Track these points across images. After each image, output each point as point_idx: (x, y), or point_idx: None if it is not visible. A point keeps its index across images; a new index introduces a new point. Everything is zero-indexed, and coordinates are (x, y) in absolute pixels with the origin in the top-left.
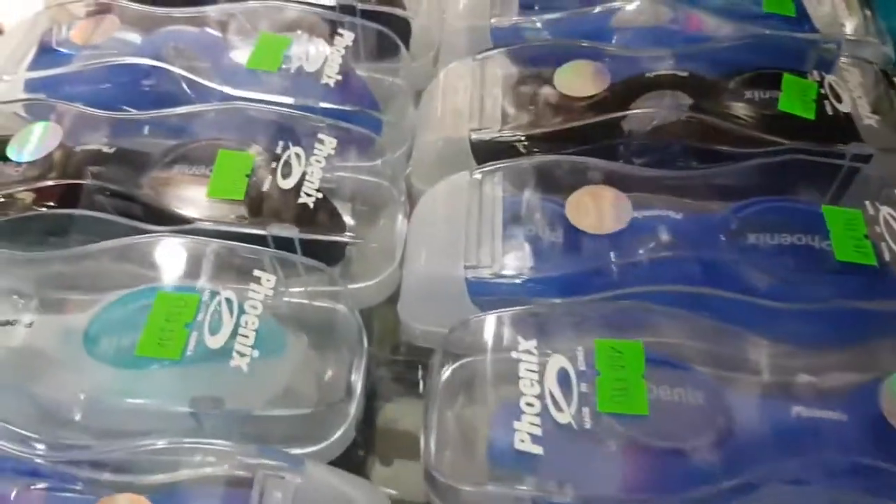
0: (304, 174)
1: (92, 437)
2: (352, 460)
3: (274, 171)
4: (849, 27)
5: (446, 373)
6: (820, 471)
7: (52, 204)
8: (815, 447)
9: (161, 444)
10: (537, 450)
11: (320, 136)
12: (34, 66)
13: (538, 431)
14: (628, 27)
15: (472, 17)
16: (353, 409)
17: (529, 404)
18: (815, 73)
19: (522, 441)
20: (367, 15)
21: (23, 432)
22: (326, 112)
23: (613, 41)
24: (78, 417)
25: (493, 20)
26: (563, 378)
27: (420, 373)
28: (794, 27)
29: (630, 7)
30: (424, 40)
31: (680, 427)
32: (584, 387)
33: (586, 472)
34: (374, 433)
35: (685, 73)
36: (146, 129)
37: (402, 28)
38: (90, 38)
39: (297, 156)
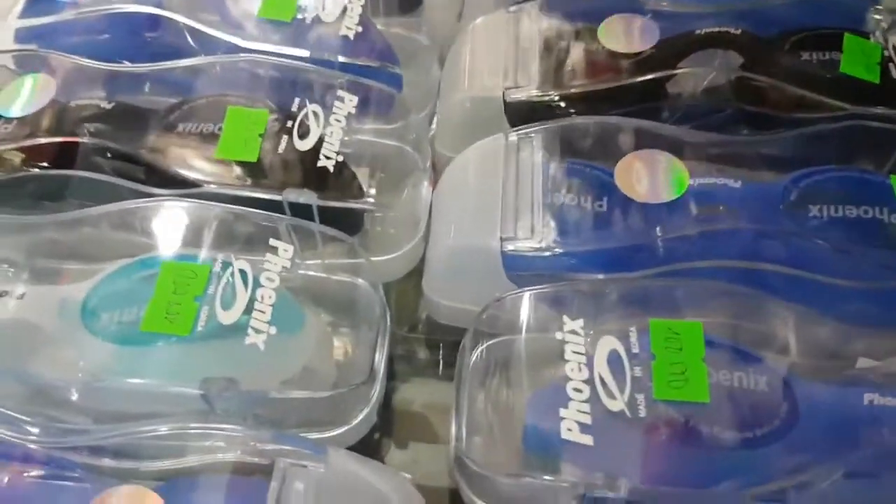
0: (322, 135)
1: (91, 420)
2: (368, 444)
3: (290, 131)
4: None
5: (479, 353)
6: (889, 462)
7: (44, 164)
8: (884, 437)
9: (167, 429)
10: (586, 440)
11: (340, 93)
12: (25, 13)
13: (587, 420)
14: None
15: None
16: (376, 391)
17: (577, 390)
18: (878, 34)
19: (570, 430)
20: None
21: (15, 415)
22: (345, 67)
23: None
24: (75, 398)
25: None
26: (615, 361)
27: (441, 352)
28: None
29: None
30: None
31: (743, 416)
32: (639, 371)
33: (640, 465)
34: (391, 415)
35: (738, 31)
36: (147, 85)
37: None
38: None
39: (315, 114)
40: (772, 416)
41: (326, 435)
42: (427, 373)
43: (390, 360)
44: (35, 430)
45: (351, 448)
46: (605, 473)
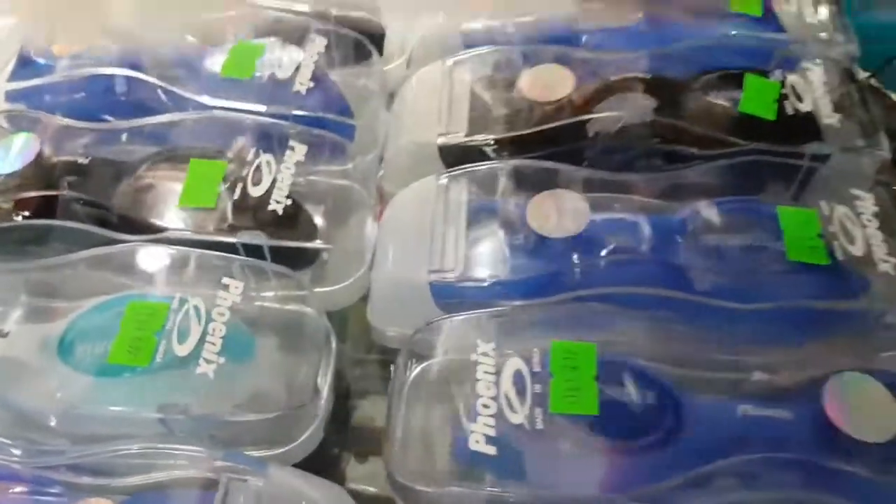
0: (274, 181)
1: (68, 443)
2: (327, 459)
3: (245, 179)
4: (814, 26)
5: (410, 374)
6: (766, 468)
7: (27, 214)
8: (761, 445)
9: (130, 448)
10: (491, 450)
11: (291, 142)
12: (14, 76)
13: (492, 432)
14: (597, 30)
15: (446, 23)
16: (321, 410)
17: (485, 406)
18: (778, 72)
19: (477, 442)
20: (341, 21)
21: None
22: (298, 119)
23: (582, 42)
24: (53, 423)
25: (464, 25)
26: (519, 379)
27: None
28: (760, 27)
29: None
30: (398, 45)
31: (629, 426)
32: (538, 388)
33: (539, 472)
34: (349, 432)
35: (649, 76)
36: (124, 138)
37: (376, 33)
38: (69, 49)
39: (268, 163)
40: (657, 427)
41: (277, 451)
42: (384, 391)
43: (348, 381)
44: (17, 452)
45: (310, 463)
46: (511, 480)
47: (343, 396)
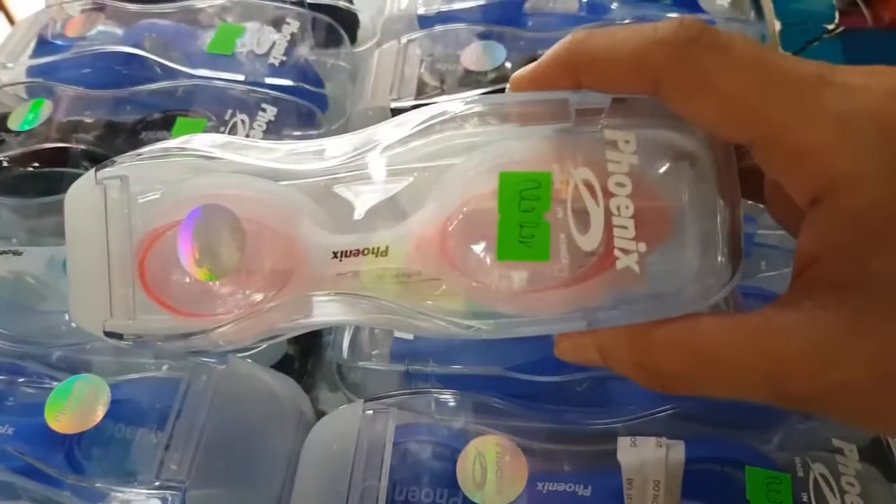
0: (247, 136)
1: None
2: None
3: (221, 133)
4: (729, 8)
5: None
6: None
7: (42, 164)
8: None
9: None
10: None
11: (263, 105)
12: (34, 55)
13: None
14: (542, 13)
15: (407, 9)
16: None
17: None
18: None
19: None
20: (318, 7)
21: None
22: (273, 87)
23: (529, 25)
24: (62, 326)
25: (420, 9)
26: None
27: None
28: (678, 8)
29: None
30: (369, 30)
31: None
32: None
33: None
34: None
35: None
36: (126, 105)
37: (350, 19)
38: (80, 32)
39: (243, 122)
40: None
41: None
42: None
43: None
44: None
45: None
46: None
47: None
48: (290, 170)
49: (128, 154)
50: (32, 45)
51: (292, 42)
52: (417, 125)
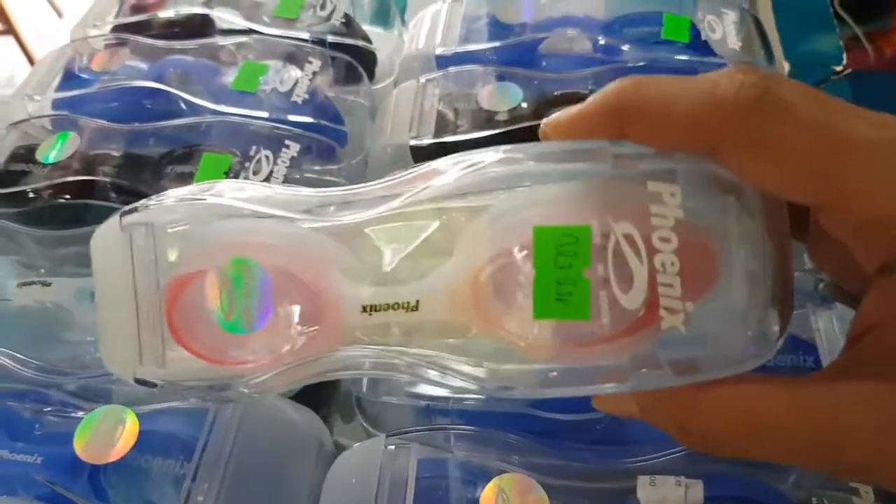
0: (271, 171)
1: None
2: None
3: (247, 169)
4: (739, 50)
5: None
6: None
7: (68, 196)
8: None
9: None
10: None
11: (286, 142)
12: (60, 88)
13: None
14: (556, 54)
15: (425, 48)
16: None
17: None
18: None
19: None
20: (338, 47)
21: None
22: (296, 124)
23: (543, 66)
24: (86, 357)
25: (437, 49)
26: None
27: None
28: (690, 51)
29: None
30: (387, 68)
31: None
32: None
33: None
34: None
35: (589, 90)
36: (150, 139)
37: (369, 58)
38: (106, 66)
39: (267, 157)
40: None
41: None
42: None
43: None
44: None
45: None
46: None
47: None
48: (318, 216)
49: (152, 198)
50: (58, 78)
51: (314, 80)
52: (454, 176)
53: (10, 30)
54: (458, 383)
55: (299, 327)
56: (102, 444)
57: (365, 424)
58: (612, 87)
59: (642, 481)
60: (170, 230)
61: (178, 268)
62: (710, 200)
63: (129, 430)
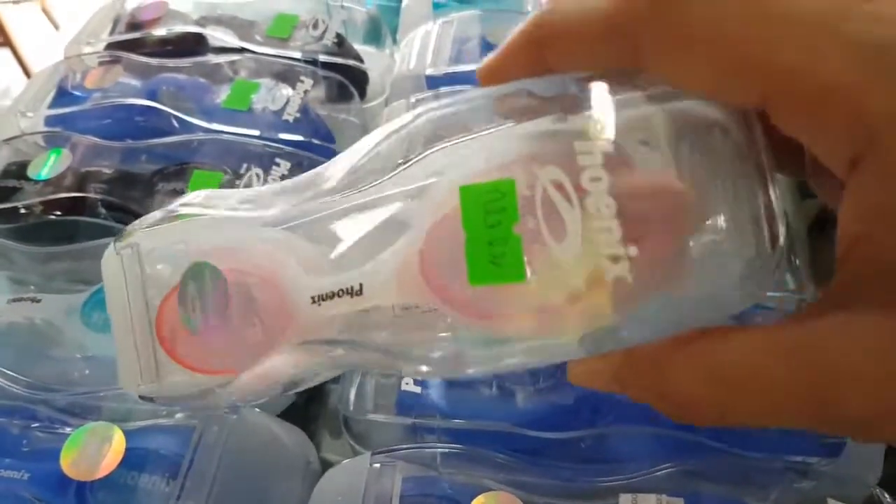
0: None
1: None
2: None
3: (237, 187)
4: None
5: None
6: None
7: (60, 213)
8: None
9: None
10: None
11: (277, 160)
12: (53, 105)
13: None
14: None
15: (415, 68)
16: None
17: None
18: None
19: None
20: (330, 66)
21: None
22: (285, 142)
23: None
24: (74, 374)
25: (428, 70)
26: None
27: None
28: None
29: None
30: (378, 87)
31: None
32: None
33: None
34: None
35: None
36: (142, 156)
37: (360, 77)
38: (99, 83)
39: (258, 175)
40: None
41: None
42: None
43: None
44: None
45: None
46: None
47: None
48: (278, 212)
49: (137, 221)
50: (52, 94)
51: (305, 98)
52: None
53: (7, 42)
54: (424, 367)
55: (269, 325)
56: (89, 460)
57: (352, 442)
58: (530, 15)
59: (624, 499)
60: (150, 249)
61: (163, 286)
62: (665, 137)
63: (115, 446)
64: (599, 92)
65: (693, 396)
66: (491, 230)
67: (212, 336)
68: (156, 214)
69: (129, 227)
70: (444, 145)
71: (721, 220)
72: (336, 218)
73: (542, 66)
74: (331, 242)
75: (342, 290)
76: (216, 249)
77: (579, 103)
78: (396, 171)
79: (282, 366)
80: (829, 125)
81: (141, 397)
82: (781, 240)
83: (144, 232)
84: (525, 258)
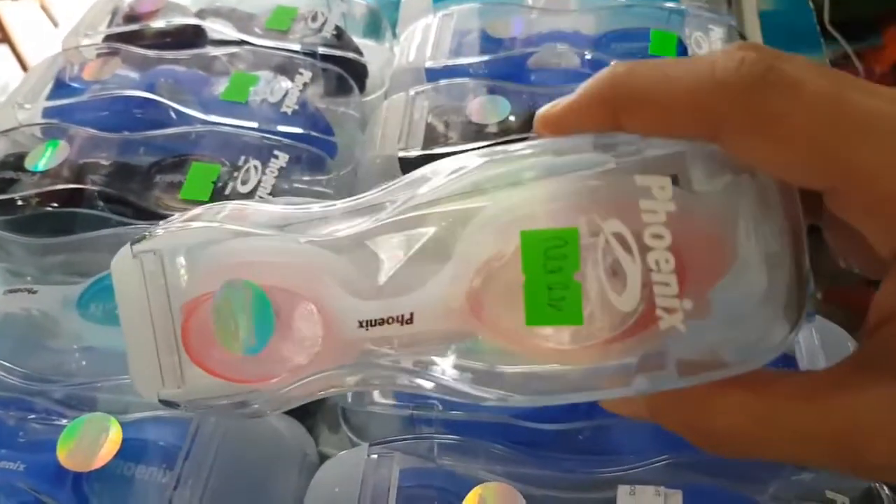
0: (259, 181)
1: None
2: None
3: (235, 179)
4: None
5: None
6: None
7: (57, 204)
8: None
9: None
10: None
11: (276, 152)
12: (51, 97)
13: None
14: (545, 69)
15: (415, 61)
16: None
17: None
18: None
19: None
20: (329, 59)
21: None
22: (284, 135)
23: (532, 80)
24: (71, 364)
25: (427, 62)
26: None
27: None
28: None
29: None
30: (378, 80)
31: None
32: None
33: None
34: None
35: None
36: (140, 148)
37: (360, 70)
38: (97, 75)
39: (255, 167)
40: None
41: None
42: None
43: None
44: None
45: None
46: None
47: None
48: (317, 231)
49: (161, 224)
50: (49, 86)
51: (304, 91)
52: (440, 183)
53: (6, 38)
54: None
55: (305, 344)
56: (86, 451)
57: (350, 434)
58: (603, 73)
59: (622, 491)
60: (177, 256)
61: (189, 291)
62: (713, 185)
63: (112, 437)
64: (657, 150)
65: (730, 435)
66: (551, 275)
67: (249, 352)
68: (178, 219)
69: (151, 231)
70: (486, 160)
71: (762, 271)
72: (377, 235)
73: (612, 125)
74: (373, 263)
75: (391, 317)
76: (254, 263)
77: (637, 155)
78: (435, 187)
79: (316, 381)
80: (887, 221)
81: (161, 401)
82: (811, 285)
83: (168, 236)
84: (584, 304)
